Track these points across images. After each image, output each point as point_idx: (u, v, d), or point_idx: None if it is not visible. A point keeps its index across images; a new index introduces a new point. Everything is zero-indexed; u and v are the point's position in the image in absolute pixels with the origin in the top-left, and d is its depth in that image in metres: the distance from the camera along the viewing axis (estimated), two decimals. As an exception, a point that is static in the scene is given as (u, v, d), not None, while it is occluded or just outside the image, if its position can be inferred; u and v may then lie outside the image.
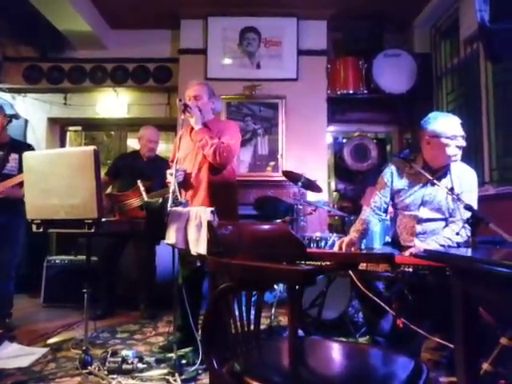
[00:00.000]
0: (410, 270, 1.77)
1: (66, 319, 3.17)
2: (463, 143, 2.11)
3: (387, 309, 2.09)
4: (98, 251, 3.48)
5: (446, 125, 2.12)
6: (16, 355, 2.37)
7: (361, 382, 1.01)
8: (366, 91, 4.41)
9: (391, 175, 2.29)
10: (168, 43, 4.81)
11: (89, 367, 2.11)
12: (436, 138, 2.11)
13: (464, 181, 2.15)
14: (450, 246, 1.99)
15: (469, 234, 1.80)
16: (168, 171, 2.38)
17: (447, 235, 2.07)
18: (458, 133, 2.10)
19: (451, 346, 1.52)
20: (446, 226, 2.15)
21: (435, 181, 2.07)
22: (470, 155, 3.42)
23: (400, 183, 2.27)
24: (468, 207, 1.77)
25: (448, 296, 1.25)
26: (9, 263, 2.95)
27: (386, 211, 2.35)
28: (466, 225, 1.73)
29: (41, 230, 2.22)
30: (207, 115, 2.53)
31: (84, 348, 2.17)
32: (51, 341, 2.66)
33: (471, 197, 2.10)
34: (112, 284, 3.46)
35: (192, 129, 2.52)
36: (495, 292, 1.05)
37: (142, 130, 3.58)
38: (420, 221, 2.18)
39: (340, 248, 2.14)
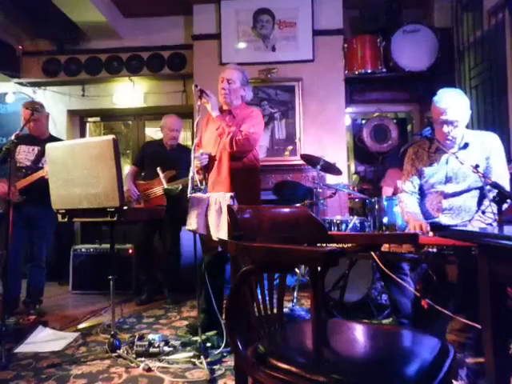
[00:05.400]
0: (434, 250, 1.74)
1: (94, 305, 3.28)
2: (453, 117, 2.01)
3: (411, 290, 2.07)
4: (132, 240, 3.55)
5: (437, 101, 2.06)
6: (49, 339, 2.49)
7: (386, 362, 1.00)
8: (384, 70, 4.28)
9: (412, 160, 2.28)
10: (181, 29, 4.78)
11: (117, 351, 2.20)
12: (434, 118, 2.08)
13: (488, 142, 2.10)
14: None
15: (495, 211, 1.74)
16: (193, 155, 2.36)
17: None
18: (443, 105, 2.02)
19: (478, 326, 1.50)
20: (480, 202, 2.09)
21: (457, 155, 2.00)
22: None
23: (422, 165, 2.23)
24: (494, 185, 1.71)
25: (473, 276, 1.22)
26: (40, 255, 3.05)
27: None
28: (493, 203, 1.68)
29: (66, 219, 2.28)
30: (235, 101, 2.52)
31: (112, 333, 2.25)
32: (81, 326, 2.77)
33: (500, 158, 2.07)
34: (151, 270, 3.52)
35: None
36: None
37: (163, 118, 3.57)
38: (446, 196, 2.14)
39: (423, 230, 2.01)
